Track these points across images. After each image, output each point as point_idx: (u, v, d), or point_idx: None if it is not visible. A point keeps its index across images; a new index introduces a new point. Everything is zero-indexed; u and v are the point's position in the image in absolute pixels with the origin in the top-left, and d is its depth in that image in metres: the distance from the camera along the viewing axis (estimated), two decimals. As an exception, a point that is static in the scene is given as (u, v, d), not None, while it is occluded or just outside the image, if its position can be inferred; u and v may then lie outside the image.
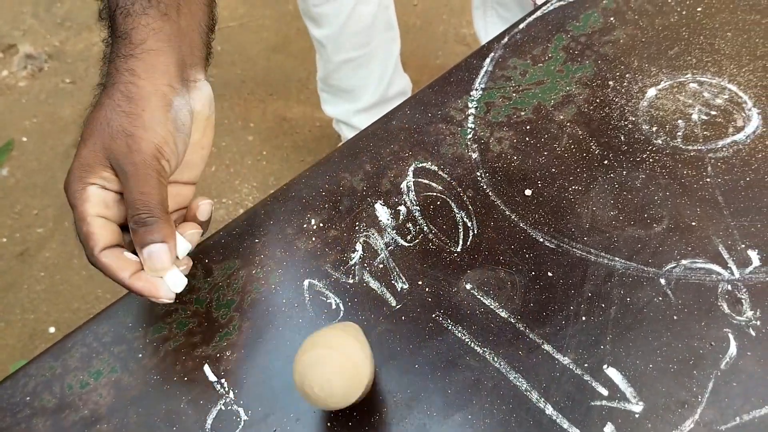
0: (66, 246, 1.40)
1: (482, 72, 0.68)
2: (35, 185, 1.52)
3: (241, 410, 0.51)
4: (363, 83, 1.19)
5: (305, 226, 0.60)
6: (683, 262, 0.52)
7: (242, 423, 0.50)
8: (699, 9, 0.70)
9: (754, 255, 0.52)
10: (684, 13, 0.70)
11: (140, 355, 0.55)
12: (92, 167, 0.49)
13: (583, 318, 0.51)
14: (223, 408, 0.51)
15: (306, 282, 0.57)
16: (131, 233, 0.48)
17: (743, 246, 0.53)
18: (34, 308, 1.32)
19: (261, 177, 1.47)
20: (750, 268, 0.51)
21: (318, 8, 1.09)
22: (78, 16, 1.94)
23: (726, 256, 0.52)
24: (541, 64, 0.68)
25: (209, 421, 0.50)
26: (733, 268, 0.52)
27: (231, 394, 0.52)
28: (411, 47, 1.61)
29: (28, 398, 0.54)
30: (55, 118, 1.67)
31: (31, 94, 1.75)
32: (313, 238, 0.59)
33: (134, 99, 0.48)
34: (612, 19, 0.70)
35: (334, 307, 0.55)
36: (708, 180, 0.57)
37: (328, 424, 0.49)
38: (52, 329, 1.28)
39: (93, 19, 1.92)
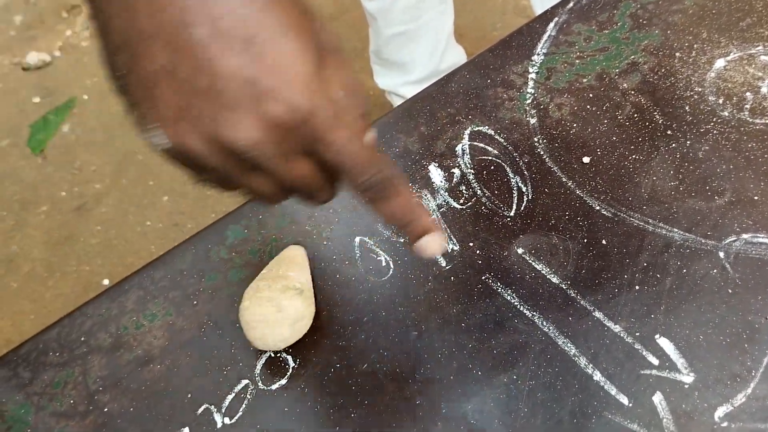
0: (122, 202, 1.44)
1: (545, 37, 0.67)
2: (94, 142, 1.56)
3: (289, 358, 0.52)
4: (414, 56, 1.19)
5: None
6: (744, 236, 0.51)
7: (290, 370, 0.51)
8: (775, -21, 0.67)
9: (820, 232, 0.50)
10: (759, -17, 0.67)
11: (195, 302, 0.56)
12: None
13: (637, 287, 0.50)
14: (272, 355, 0.52)
15: (357, 239, 0.57)
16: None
17: (809, 223, 0.51)
18: (89, 261, 1.36)
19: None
20: (815, 246, 0.50)
21: None
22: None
23: (790, 231, 0.51)
24: (606, 31, 0.66)
25: (258, 366, 0.51)
26: (798, 244, 0.50)
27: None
28: (467, 19, 1.59)
29: (83, 337, 0.56)
30: (116, 77, 1.70)
31: (93, 54, 1.79)
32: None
33: None
34: (683, -13, 0.68)
35: (383, 264, 0.55)
36: (776, 154, 0.55)
37: (377, 378, 0.50)
38: (105, 281, 1.32)
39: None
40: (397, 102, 1.31)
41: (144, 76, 0.32)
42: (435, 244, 0.40)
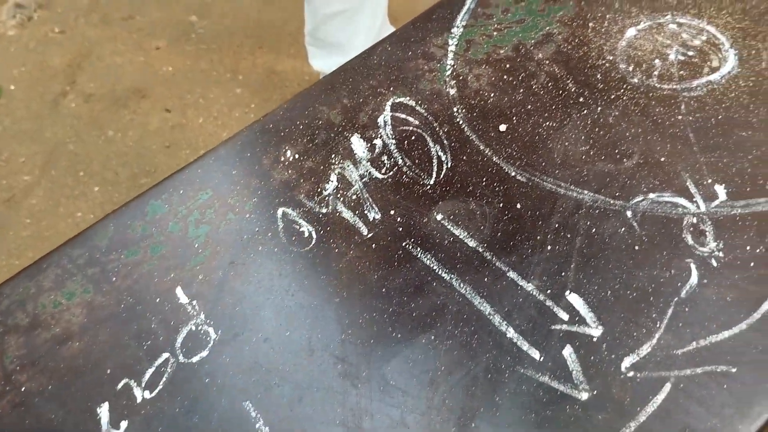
0: (52, 193, 1.41)
1: (464, 9, 0.68)
2: (23, 132, 1.52)
3: (210, 330, 0.52)
4: (351, 36, 1.19)
5: (281, 157, 0.60)
6: (650, 195, 0.53)
7: (212, 342, 0.51)
8: (682, -48, 0.69)
9: (720, 189, 0.53)
10: (667, -44, 0.69)
11: (114, 279, 0.55)
12: None
13: (549, 247, 0.52)
14: (193, 328, 0.52)
15: (280, 210, 0.57)
16: None
17: (710, 181, 0.53)
18: (19, 254, 1.33)
19: (249, 128, 1.47)
20: (716, 202, 0.52)
21: None
22: (68, -36, 1.91)
23: (693, 190, 0.53)
24: (523, 3, 0.68)
25: (179, 340, 0.51)
26: (699, 201, 0.52)
27: (202, 315, 0.52)
28: (401, 1, 1.60)
29: (0, 317, 0.55)
30: (44, 66, 1.65)
31: (20, 43, 1.74)
32: (289, 170, 0.59)
33: None
34: (595, -40, 0.70)
35: (306, 235, 0.56)
36: (680, 118, 0.57)
37: (300, 344, 0.50)
38: (37, 274, 1.28)
39: (84, -33, 1.89)
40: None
41: None
42: None
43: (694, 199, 0.52)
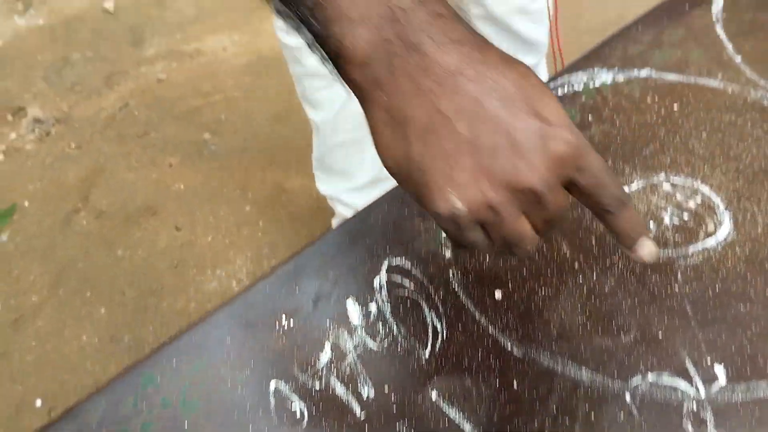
0: (60, 314, 1.41)
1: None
2: (34, 250, 1.54)
3: None
4: (357, 165, 1.21)
5: (276, 324, 0.60)
6: (649, 375, 0.52)
7: None
8: (675, 107, 0.70)
9: (720, 370, 0.51)
10: (661, 111, 0.70)
11: (102, 458, 0.54)
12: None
13: (547, 433, 0.50)
14: None
15: (272, 384, 0.56)
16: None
17: (709, 360, 0.52)
18: (22, 379, 1.32)
19: (255, 248, 1.48)
20: (716, 387, 0.51)
21: (316, 94, 1.12)
22: (88, 80, 1.99)
23: (692, 371, 0.52)
24: (517, 161, 0.69)
25: None
26: (699, 385, 0.51)
27: (189, 504, 0.51)
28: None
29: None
30: (59, 183, 1.69)
31: (38, 158, 1.79)
32: (284, 338, 0.59)
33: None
34: (589, 116, 0.71)
35: (298, 416, 0.54)
36: (677, 288, 0.57)
37: None
38: (38, 402, 1.27)
39: (102, 84, 1.97)
40: (338, 207, 1.32)
41: (446, 151, 0.40)
42: (653, 249, 0.48)
43: (694, 382, 0.51)
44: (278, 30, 1.09)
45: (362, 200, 1.25)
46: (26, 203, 1.65)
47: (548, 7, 1.12)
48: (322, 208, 1.43)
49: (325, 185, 1.30)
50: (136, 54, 2.03)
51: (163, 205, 1.59)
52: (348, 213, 1.29)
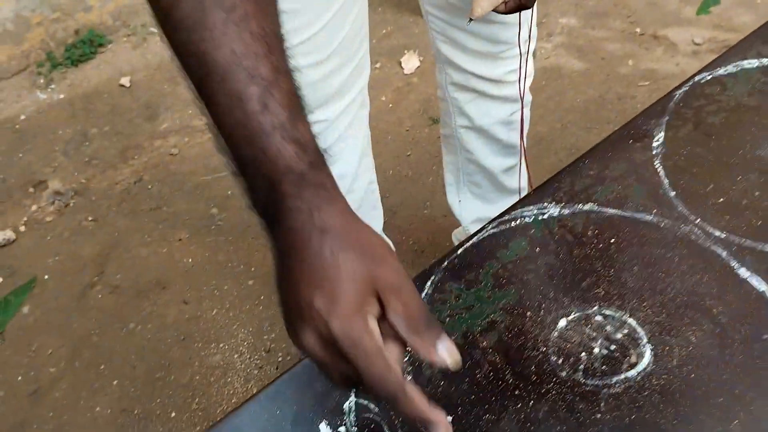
0: (75, 386, 1.51)
1: (422, 294, 0.79)
2: (52, 324, 1.65)
3: None
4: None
5: (258, 443, 0.70)
6: (571, 499, 0.61)
7: None
8: (612, 242, 0.80)
9: (630, 496, 0.60)
10: (599, 245, 0.80)
11: None
12: (365, 298, 0.51)
13: None
14: None
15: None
16: (414, 341, 0.52)
17: (622, 487, 0.61)
18: (39, 452, 1.42)
19: (257, 322, 1.58)
20: None
21: None
22: (104, 154, 2.12)
23: (607, 495, 0.61)
24: (472, 289, 0.79)
25: None
26: (611, 508, 0.60)
27: None
28: (402, 197, 1.74)
29: None
30: (76, 257, 1.81)
31: (56, 232, 1.91)
32: (264, 456, 0.69)
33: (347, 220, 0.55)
34: (537, 248, 0.81)
35: None
36: (599, 416, 0.66)
37: None
38: (55, 471, 1.38)
39: (118, 158, 2.10)
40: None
41: (293, 303, 0.52)
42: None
43: (607, 505, 0.60)
44: None
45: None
46: (45, 276, 1.77)
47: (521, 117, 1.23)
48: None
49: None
50: (150, 128, 2.16)
51: (172, 280, 1.70)
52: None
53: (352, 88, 1.09)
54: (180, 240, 1.80)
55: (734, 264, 0.76)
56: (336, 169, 1.08)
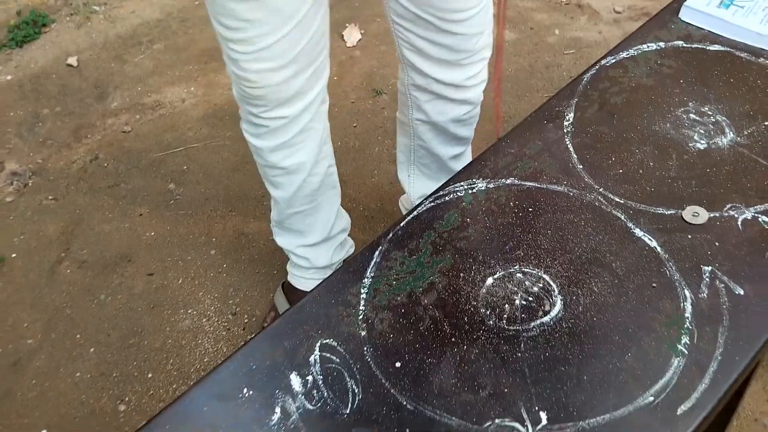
0: (53, 355, 1.62)
1: (372, 262, 0.93)
2: (24, 300, 1.74)
3: None
4: (310, 227, 1.44)
5: (239, 394, 0.83)
6: (497, 420, 0.77)
7: None
8: (530, 210, 0.95)
9: (543, 416, 0.76)
10: (519, 214, 0.95)
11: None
12: None
13: (426, 466, 0.75)
14: None
15: (240, 438, 0.80)
16: None
17: (537, 408, 0.77)
18: (27, 413, 1.53)
19: (222, 288, 1.71)
20: (539, 426, 0.76)
21: (275, 179, 1.34)
22: (58, 134, 2.18)
23: (525, 416, 0.77)
24: (414, 256, 0.93)
25: None
26: (529, 426, 0.76)
27: None
28: (351, 167, 1.87)
29: None
30: (41, 235, 1.89)
31: (18, 211, 1.98)
32: (245, 405, 0.82)
33: None
34: (468, 219, 0.96)
35: (258, 460, 0.78)
36: (519, 354, 0.82)
37: None
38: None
39: (71, 137, 2.16)
40: (292, 257, 1.54)
41: None
42: None
43: (525, 424, 0.76)
44: (245, 131, 1.30)
45: (311, 254, 1.49)
46: (13, 255, 1.85)
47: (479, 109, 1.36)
48: (278, 248, 1.65)
49: (281, 239, 1.52)
50: (101, 107, 2.22)
51: (137, 253, 1.80)
52: (300, 262, 1.52)
53: (312, 89, 1.20)
54: (140, 215, 1.90)
55: (630, 225, 0.92)
56: (297, 158, 1.24)
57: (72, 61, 2.38)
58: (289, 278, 1.57)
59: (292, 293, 1.57)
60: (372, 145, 1.94)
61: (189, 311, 1.68)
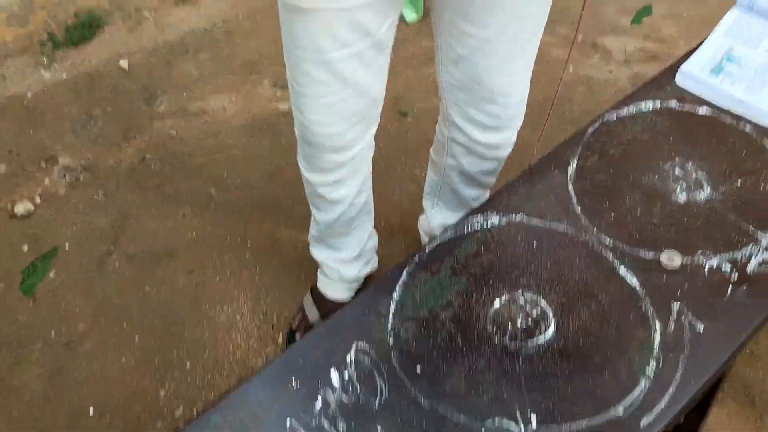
0: (102, 340, 1.81)
1: (401, 280, 1.11)
2: (76, 287, 1.93)
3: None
4: (345, 245, 1.63)
5: (289, 385, 1.01)
6: (496, 419, 0.95)
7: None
8: (534, 244, 1.14)
9: (534, 418, 0.95)
10: (525, 246, 1.13)
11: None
12: None
13: (438, 451, 0.93)
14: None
15: (288, 421, 0.98)
16: None
17: (529, 412, 0.95)
18: (77, 391, 1.72)
19: (255, 289, 1.90)
20: (530, 429, 0.94)
21: (321, 205, 1.50)
22: (109, 133, 2.37)
23: (519, 418, 0.95)
24: (436, 277, 1.11)
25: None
26: (522, 426, 0.94)
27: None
28: (375, 185, 2.04)
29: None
30: (91, 227, 2.08)
31: (70, 204, 2.17)
32: (294, 394, 1.01)
33: None
34: (482, 248, 1.14)
35: (302, 438, 0.97)
36: (517, 367, 1.00)
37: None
38: (91, 410, 1.68)
39: (121, 137, 2.36)
40: (325, 269, 1.72)
41: None
42: None
43: (519, 424, 0.94)
44: (300, 164, 1.47)
45: (342, 267, 1.67)
46: (66, 245, 2.04)
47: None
48: (307, 257, 1.83)
49: (317, 252, 1.71)
50: (149, 110, 2.42)
51: (180, 250, 1.99)
52: (330, 273, 1.70)
53: (363, 139, 1.37)
54: (183, 215, 2.09)
55: (616, 264, 1.10)
56: (342, 192, 1.44)
57: (123, 63, 2.57)
58: (319, 285, 1.75)
59: (320, 299, 1.75)
60: (396, 165, 2.13)
61: (225, 308, 1.87)
